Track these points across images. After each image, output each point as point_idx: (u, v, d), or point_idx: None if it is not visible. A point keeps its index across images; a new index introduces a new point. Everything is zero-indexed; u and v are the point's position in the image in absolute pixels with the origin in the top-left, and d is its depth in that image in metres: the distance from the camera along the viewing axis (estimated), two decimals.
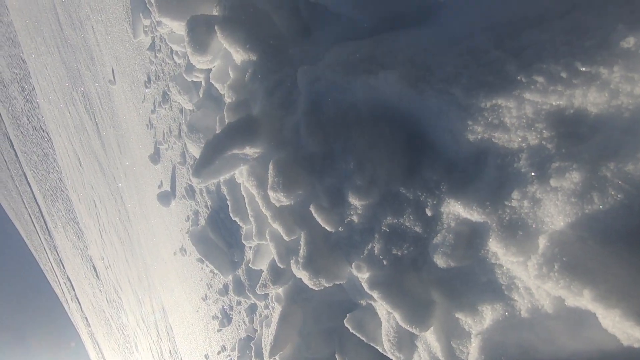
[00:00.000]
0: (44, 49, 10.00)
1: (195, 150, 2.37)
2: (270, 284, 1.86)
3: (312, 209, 1.45)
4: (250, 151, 1.56)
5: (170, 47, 3.05)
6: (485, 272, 1.14)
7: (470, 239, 1.13)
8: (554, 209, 0.91)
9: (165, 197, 4.46)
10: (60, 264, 25.11)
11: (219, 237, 3.27)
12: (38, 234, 32.25)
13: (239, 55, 1.77)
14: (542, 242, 0.90)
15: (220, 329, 4.13)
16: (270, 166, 1.49)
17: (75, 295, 24.16)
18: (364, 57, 1.27)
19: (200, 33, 1.74)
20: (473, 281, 1.19)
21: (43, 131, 15.73)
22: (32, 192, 25.16)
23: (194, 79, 2.64)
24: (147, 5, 3.28)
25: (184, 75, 2.58)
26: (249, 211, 1.85)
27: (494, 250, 1.06)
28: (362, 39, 1.42)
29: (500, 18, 1.07)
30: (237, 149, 1.51)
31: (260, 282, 1.94)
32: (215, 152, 1.52)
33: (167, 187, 4.59)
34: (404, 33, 1.27)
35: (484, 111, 1.01)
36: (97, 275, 15.92)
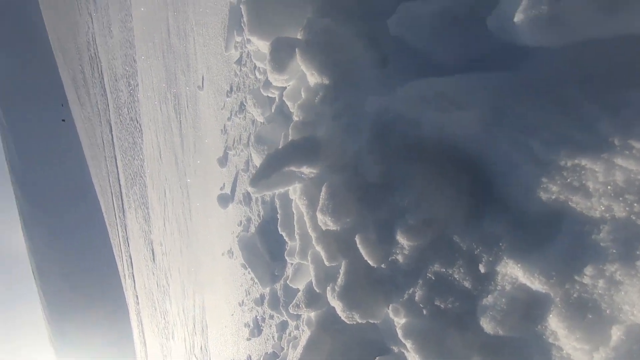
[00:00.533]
0: (152, 53, 11.44)
1: (258, 161, 2.48)
2: (303, 306, 1.84)
3: (357, 239, 1.41)
4: (307, 170, 1.58)
5: (255, 63, 3.28)
6: (540, 351, 0.99)
7: (527, 308, 1.00)
8: (638, 298, 0.77)
9: (225, 200, 4.70)
10: (126, 242, 27.67)
11: (265, 247, 3.35)
12: (114, 211, 36.04)
13: (313, 78, 1.84)
14: (616, 333, 0.76)
15: (250, 339, 4.15)
16: (324, 188, 1.49)
17: (133, 273, 26.31)
18: (438, 95, 1.23)
19: (281, 53, 1.85)
20: (525, 357, 1.04)
21: (137, 122, 17.77)
22: (118, 173, 28.35)
23: (270, 95, 2.79)
24: (242, 24, 3.59)
25: (261, 90, 2.74)
26: (296, 229, 1.87)
27: (554, 328, 0.92)
28: (438, 76, 1.38)
29: (599, 71, 0.97)
30: (295, 166, 1.55)
31: (294, 301, 1.93)
32: (274, 165, 1.57)
33: (228, 190, 4.84)
34: (483, 75, 1.21)
35: (563, 170, 0.90)
36: (153, 259, 17.13)
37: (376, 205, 1.38)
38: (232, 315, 5.07)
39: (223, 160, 4.90)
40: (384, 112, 1.40)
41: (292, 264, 2.36)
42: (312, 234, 1.62)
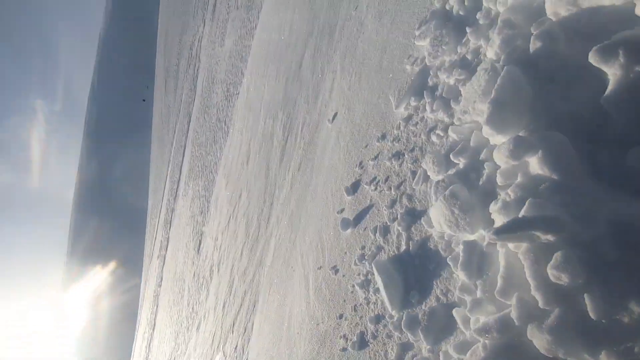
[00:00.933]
0: (272, 74, 12.93)
1: (443, 210, 3.18)
2: (494, 332, 2.45)
3: (586, 297, 2.03)
4: (543, 237, 2.26)
5: (434, 130, 4.08)
6: None
7: None
8: None
9: (346, 224, 5.43)
10: (168, 224, 29.02)
11: (401, 276, 3.99)
12: (164, 192, 37.97)
13: (540, 171, 2.56)
14: None
15: (345, 349, 4.67)
16: (559, 254, 2.15)
17: (165, 255, 27.38)
18: None
19: (519, 149, 2.60)
20: None
21: (225, 124, 19.39)
22: (182, 161, 30.27)
23: (455, 161, 3.55)
24: (425, 96, 4.46)
25: (451, 157, 3.50)
26: (501, 272, 2.52)
27: None
28: None
29: None
30: (541, 233, 2.23)
31: (481, 326, 2.54)
32: (522, 227, 2.26)
33: (349, 216, 5.56)
34: None
35: None
36: (198, 250, 17.99)
37: (609, 280, 2.00)
38: (318, 325, 5.63)
39: (350, 190, 5.69)
40: (620, 217, 2.06)
41: (467, 298, 2.97)
42: (532, 282, 2.26)
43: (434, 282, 3.58)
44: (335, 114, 7.46)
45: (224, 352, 11.16)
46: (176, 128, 38.55)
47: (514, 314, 2.38)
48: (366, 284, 4.63)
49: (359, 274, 4.87)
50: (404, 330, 3.64)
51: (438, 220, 3.44)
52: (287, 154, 9.92)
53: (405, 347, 3.72)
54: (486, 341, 2.60)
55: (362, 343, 4.42)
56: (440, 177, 3.71)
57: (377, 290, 4.39)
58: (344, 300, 5.09)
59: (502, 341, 2.47)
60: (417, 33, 4.75)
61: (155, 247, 34.98)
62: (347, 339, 4.73)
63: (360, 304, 4.69)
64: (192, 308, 16.05)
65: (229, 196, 14.70)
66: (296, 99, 10.21)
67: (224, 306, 12.31)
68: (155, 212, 42.38)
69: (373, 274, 4.58)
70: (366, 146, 5.71)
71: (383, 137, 5.26)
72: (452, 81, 3.98)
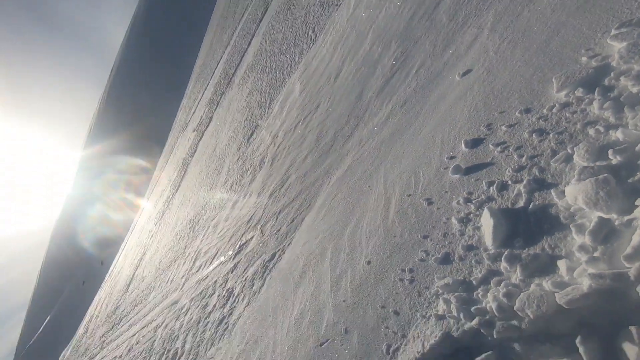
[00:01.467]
0: (394, 0, 12.65)
1: (587, 189, 3.98)
2: (607, 279, 3.42)
3: None
4: None
5: (594, 124, 4.70)
6: None
7: None
8: None
9: (456, 169, 6.27)
10: (214, 105, 29.89)
11: (510, 224, 4.93)
12: (214, 72, 38.06)
13: None
14: None
15: (424, 260, 5.78)
16: None
17: (204, 131, 28.69)
18: None
19: None
20: None
21: (313, 32, 19.16)
22: (246, 50, 29.98)
23: (610, 156, 4.26)
24: (596, 92, 4.96)
25: (609, 153, 4.20)
26: (634, 244, 3.42)
27: None
28: None
29: None
30: None
31: (597, 273, 3.51)
32: None
33: (461, 164, 6.37)
34: None
35: None
36: (248, 139, 19.04)
37: None
38: (395, 237, 6.77)
39: (470, 143, 6.42)
40: None
41: (582, 255, 3.91)
42: None
43: (544, 237, 4.52)
44: (469, 71, 7.84)
45: (262, 230, 12.67)
46: (245, 13, 37.41)
47: (632, 273, 3.33)
48: (466, 220, 5.61)
49: (458, 212, 5.83)
50: (501, 261, 4.68)
51: (575, 195, 4.27)
52: (391, 87, 10.36)
53: (493, 273, 4.79)
54: (593, 284, 3.60)
55: (445, 260, 5.52)
56: (587, 164, 4.44)
57: (477, 229, 5.38)
58: (433, 227, 6.13)
59: (610, 286, 3.46)
60: (614, 32, 5.07)
61: (192, 120, 36.30)
62: (428, 253, 5.85)
63: (452, 233, 5.72)
64: (231, 186, 17.58)
65: (302, 102, 15.28)
66: (420, 38, 10.33)
67: (271, 195, 13.58)
68: (199, 88, 43.12)
69: (476, 215, 5.54)
70: (502, 112, 6.29)
71: (527, 111, 5.84)
72: (635, 90, 4.50)
